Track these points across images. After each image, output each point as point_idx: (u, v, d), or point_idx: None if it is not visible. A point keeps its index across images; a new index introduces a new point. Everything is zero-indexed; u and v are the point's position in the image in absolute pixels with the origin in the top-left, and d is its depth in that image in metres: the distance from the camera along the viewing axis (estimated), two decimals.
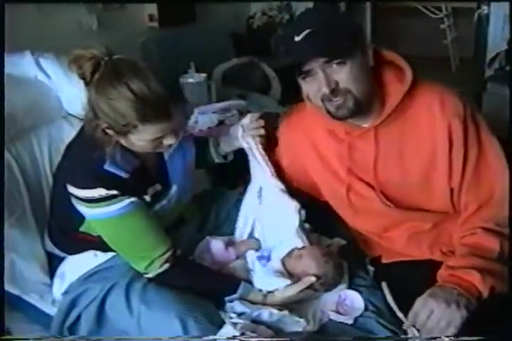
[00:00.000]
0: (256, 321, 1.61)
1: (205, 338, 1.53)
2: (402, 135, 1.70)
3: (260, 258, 1.78)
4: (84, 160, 1.63)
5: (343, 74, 1.58)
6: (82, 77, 1.54)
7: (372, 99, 1.67)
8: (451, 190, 1.72)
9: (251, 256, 1.81)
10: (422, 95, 1.67)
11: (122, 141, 1.62)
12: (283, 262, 1.75)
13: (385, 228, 1.85)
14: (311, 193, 1.93)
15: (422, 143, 1.68)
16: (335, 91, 1.59)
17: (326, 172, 1.81)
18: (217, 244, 1.83)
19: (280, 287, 1.70)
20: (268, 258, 1.78)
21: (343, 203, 1.83)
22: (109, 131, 1.57)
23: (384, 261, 1.91)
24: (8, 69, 1.97)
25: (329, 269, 1.72)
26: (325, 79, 1.58)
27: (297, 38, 1.57)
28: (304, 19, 1.63)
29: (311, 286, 1.71)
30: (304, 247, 1.76)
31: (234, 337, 1.51)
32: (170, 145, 1.66)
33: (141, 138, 1.57)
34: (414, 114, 1.67)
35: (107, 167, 1.61)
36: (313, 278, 1.70)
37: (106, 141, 1.60)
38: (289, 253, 1.76)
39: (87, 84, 1.55)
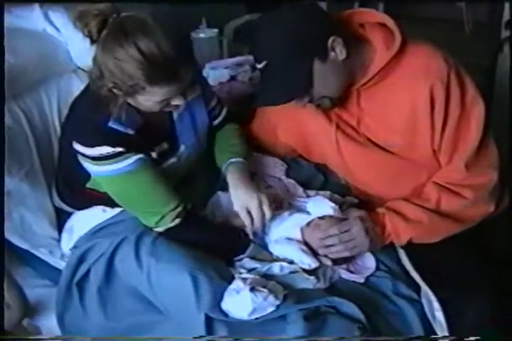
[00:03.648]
0: (267, 276, 1.61)
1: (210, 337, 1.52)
2: (385, 97, 1.70)
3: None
4: (89, 118, 1.61)
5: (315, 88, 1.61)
6: (89, 34, 1.49)
7: (354, 78, 1.68)
8: (434, 151, 1.72)
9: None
10: (407, 59, 1.66)
11: (129, 101, 1.59)
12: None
13: (383, 178, 1.83)
14: (303, 154, 1.98)
15: (403, 106, 1.68)
16: (311, 101, 1.65)
17: (317, 113, 1.79)
18: None
19: (292, 255, 1.68)
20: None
21: (332, 149, 1.81)
22: (115, 91, 1.54)
23: None
24: (17, 22, 1.96)
25: None
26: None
27: (258, 65, 1.61)
28: (262, 45, 1.61)
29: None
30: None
31: None
32: (177, 106, 1.64)
33: (149, 99, 1.55)
34: (397, 77, 1.67)
35: (112, 124, 1.58)
36: (329, 262, 1.67)
37: (112, 99, 1.56)
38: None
39: (93, 41, 1.51)
